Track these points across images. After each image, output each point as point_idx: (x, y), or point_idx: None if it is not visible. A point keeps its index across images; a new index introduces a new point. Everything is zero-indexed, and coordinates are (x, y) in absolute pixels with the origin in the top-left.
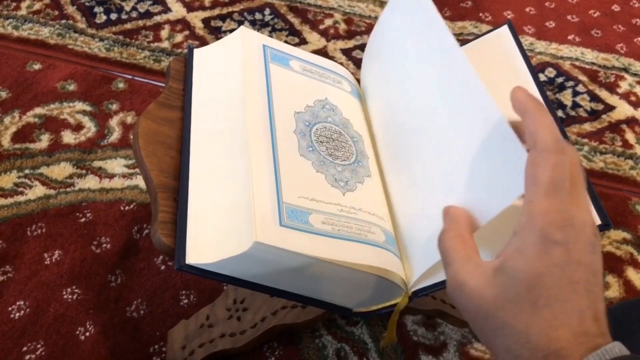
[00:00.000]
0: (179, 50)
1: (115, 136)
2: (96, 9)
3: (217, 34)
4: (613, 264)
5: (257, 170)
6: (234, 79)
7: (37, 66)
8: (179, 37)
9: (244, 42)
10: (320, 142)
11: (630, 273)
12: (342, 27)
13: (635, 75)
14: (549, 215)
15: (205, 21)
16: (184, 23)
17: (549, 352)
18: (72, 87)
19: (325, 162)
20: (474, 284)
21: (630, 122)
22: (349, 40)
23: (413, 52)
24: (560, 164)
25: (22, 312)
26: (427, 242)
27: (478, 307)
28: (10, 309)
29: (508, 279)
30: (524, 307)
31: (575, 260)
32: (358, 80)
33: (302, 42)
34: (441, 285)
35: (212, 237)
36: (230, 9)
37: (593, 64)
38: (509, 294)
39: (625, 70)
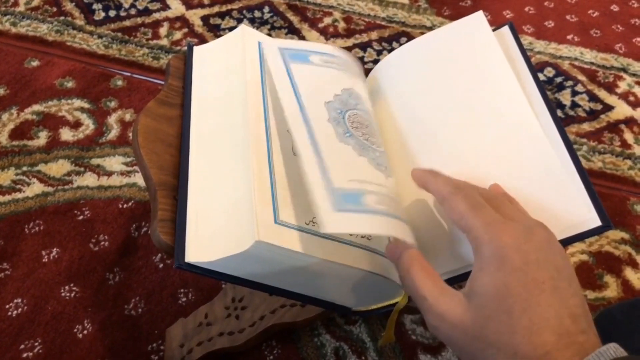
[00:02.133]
0: (178, 48)
1: (113, 133)
2: (95, 6)
3: (216, 31)
4: (611, 263)
5: (258, 169)
6: (235, 77)
7: (35, 63)
8: (178, 35)
9: (245, 41)
10: (356, 127)
11: (629, 273)
12: (341, 25)
13: (634, 75)
14: (489, 228)
15: (204, 19)
16: (183, 20)
17: (537, 359)
18: (70, 84)
19: (364, 146)
20: (453, 314)
21: (629, 122)
22: (348, 38)
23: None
24: (468, 194)
25: (20, 309)
26: (446, 247)
27: (463, 334)
28: (7, 306)
29: (480, 299)
30: (501, 320)
31: (533, 260)
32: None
33: (301, 40)
34: None
35: (212, 236)
36: (229, 7)
37: (592, 63)
38: (486, 312)
39: (624, 70)
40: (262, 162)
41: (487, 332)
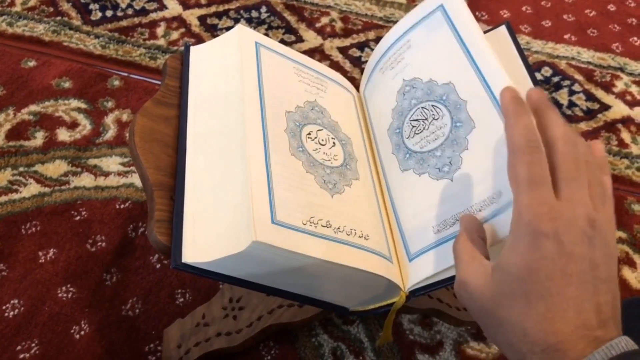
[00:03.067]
0: (175, 48)
1: (110, 134)
2: (91, 6)
3: (214, 31)
4: None
5: (255, 170)
6: (232, 77)
7: (32, 63)
8: (175, 35)
9: (242, 41)
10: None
11: (626, 272)
12: (339, 25)
13: (630, 74)
14: (534, 209)
15: (202, 19)
16: (180, 20)
17: (546, 346)
18: (67, 85)
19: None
20: (475, 283)
21: (626, 121)
22: (346, 38)
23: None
24: (536, 161)
25: (17, 310)
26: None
27: (480, 305)
28: (4, 307)
29: (503, 276)
30: (518, 301)
31: (567, 253)
32: (356, 84)
33: (299, 40)
34: (438, 284)
35: (209, 236)
36: (226, 7)
37: (589, 63)
38: (505, 290)
39: (621, 69)
40: (259, 162)
41: (501, 310)
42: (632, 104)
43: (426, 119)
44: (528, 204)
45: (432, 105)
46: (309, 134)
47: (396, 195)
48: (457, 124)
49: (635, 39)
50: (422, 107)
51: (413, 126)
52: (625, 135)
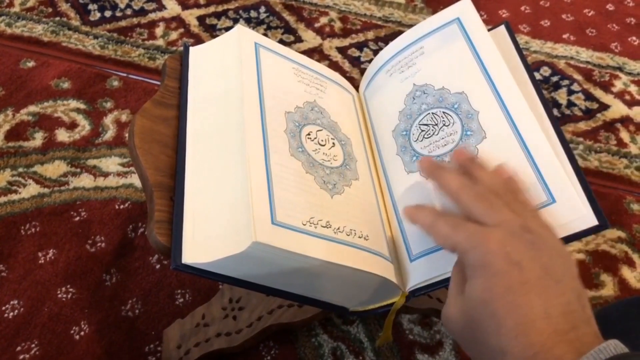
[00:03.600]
0: (174, 48)
1: (109, 134)
2: (90, 6)
3: (213, 31)
4: (608, 262)
5: (255, 170)
6: (231, 78)
7: (30, 64)
8: (174, 35)
9: (241, 41)
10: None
11: (625, 272)
12: (338, 25)
13: (629, 74)
14: (472, 238)
15: (200, 19)
16: (179, 21)
17: (527, 359)
18: (66, 85)
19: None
20: (455, 316)
21: (625, 120)
22: (345, 38)
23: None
24: (448, 218)
25: (16, 311)
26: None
27: (461, 335)
28: (4, 308)
29: (469, 303)
30: (488, 323)
31: (516, 262)
32: (355, 84)
33: (298, 40)
34: (438, 284)
35: (209, 237)
36: (225, 7)
37: (588, 62)
38: (474, 316)
39: (620, 69)
40: (259, 162)
41: (477, 334)
42: (630, 103)
43: (436, 125)
44: (464, 238)
45: (444, 112)
46: (309, 134)
47: (399, 196)
48: (467, 132)
49: (634, 38)
50: (433, 113)
51: (422, 130)
52: (624, 135)
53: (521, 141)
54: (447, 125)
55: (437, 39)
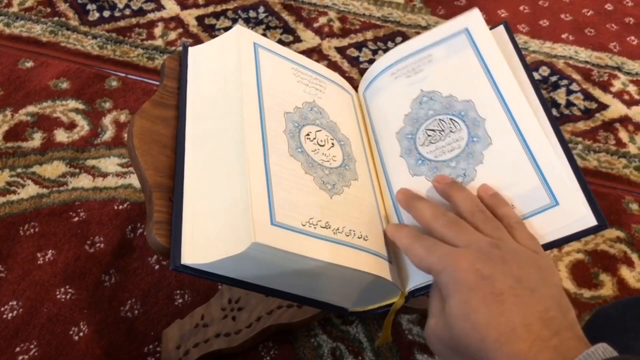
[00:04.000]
0: (173, 48)
1: (108, 134)
2: (89, 6)
3: (211, 31)
4: (607, 262)
5: (254, 171)
6: (230, 78)
7: (29, 64)
8: (172, 35)
9: (240, 42)
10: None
11: (624, 271)
12: (337, 25)
13: (628, 73)
14: (443, 259)
15: (199, 19)
16: (177, 21)
17: None
18: (65, 85)
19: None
20: (439, 334)
21: (624, 120)
22: (344, 38)
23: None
24: (423, 241)
25: (15, 312)
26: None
27: (447, 352)
28: (3, 309)
29: (450, 320)
30: (471, 336)
31: (487, 276)
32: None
33: (297, 40)
34: None
35: (208, 237)
36: (224, 7)
37: (587, 62)
38: (456, 331)
39: (619, 69)
40: (258, 163)
41: (462, 348)
42: (629, 103)
43: (443, 131)
44: (436, 260)
45: (450, 119)
46: (308, 134)
47: None
48: (474, 138)
49: (633, 38)
50: (440, 119)
51: (429, 135)
52: (623, 135)
53: (526, 146)
54: (453, 132)
55: (446, 47)
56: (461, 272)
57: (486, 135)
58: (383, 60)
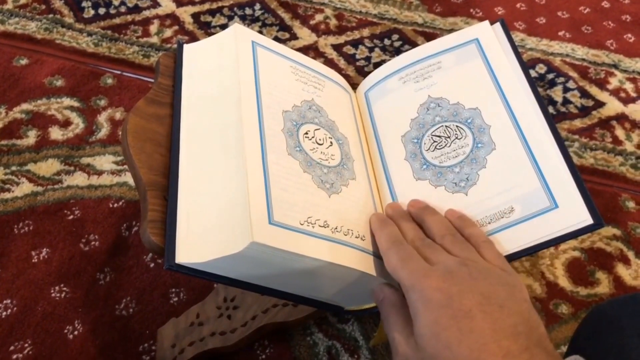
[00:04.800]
0: (169, 46)
1: (103, 132)
2: (84, 3)
3: (207, 29)
4: (603, 260)
5: (252, 169)
6: (227, 76)
7: (24, 61)
8: (168, 32)
9: (238, 40)
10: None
11: (620, 269)
12: (333, 22)
13: (625, 71)
14: (412, 276)
15: (195, 16)
16: (173, 18)
17: None
18: (59, 83)
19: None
20: (411, 356)
21: (620, 118)
22: (340, 35)
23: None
24: (401, 249)
25: (9, 310)
26: None
27: None
28: None
29: (421, 340)
30: (444, 355)
31: (455, 293)
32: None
33: (293, 37)
34: None
35: (204, 236)
36: (220, 4)
37: (583, 60)
38: (429, 351)
39: (615, 66)
40: (256, 161)
41: None
42: (626, 100)
43: (449, 137)
44: (407, 275)
45: (457, 126)
46: (306, 133)
47: (403, 201)
48: (478, 145)
49: (630, 35)
50: (446, 126)
51: (434, 141)
52: (620, 132)
53: (528, 150)
54: (459, 139)
55: (456, 56)
56: (429, 291)
57: (490, 141)
58: (391, 64)
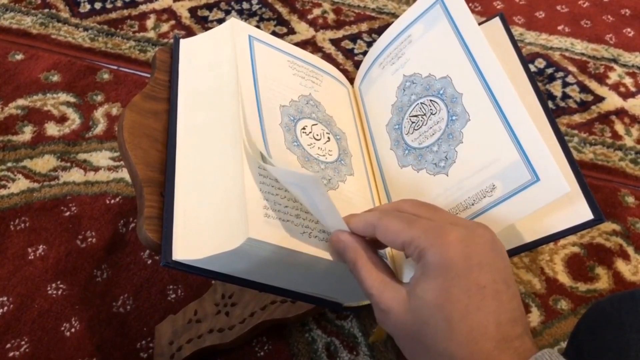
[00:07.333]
0: (165, 40)
1: (100, 128)
2: None
3: (204, 23)
4: (603, 255)
5: (248, 165)
6: (224, 71)
7: (19, 56)
8: (165, 27)
9: (235, 34)
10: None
11: (620, 265)
12: (331, 17)
13: (624, 66)
14: (430, 234)
15: (192, 10)
16: (170, 12)
17: None
18: (55, 78)
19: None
20: (395, 311)
21: (620, 113)
22: (338, 30)
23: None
24: (399, 213)
25: (6, 308)
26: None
27: (404, 333)
28: None
29: (419, 301)
30: (439, 326)
31: (475, 264)
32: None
33: (291, 32)
34: None
35: (201, 233)
36: None
37: (583, 54)
38: (423, 317)
39: (615, 61)
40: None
41: (423, 336)
42: (625, 95)
43: (424, 115)
44: (421, 233)
45: (430, 100)
46: (304, 128)
47: (394, 192)
48: (452, 117)
49: (629, 30)
50: (421, 103)
51: (412, 122)
52: (619, 127)
53: (504, 119)
54: (434, 114)
55: (423, 23)
56: (451, 254)
57: (464, 111)
58: (372, 51)
